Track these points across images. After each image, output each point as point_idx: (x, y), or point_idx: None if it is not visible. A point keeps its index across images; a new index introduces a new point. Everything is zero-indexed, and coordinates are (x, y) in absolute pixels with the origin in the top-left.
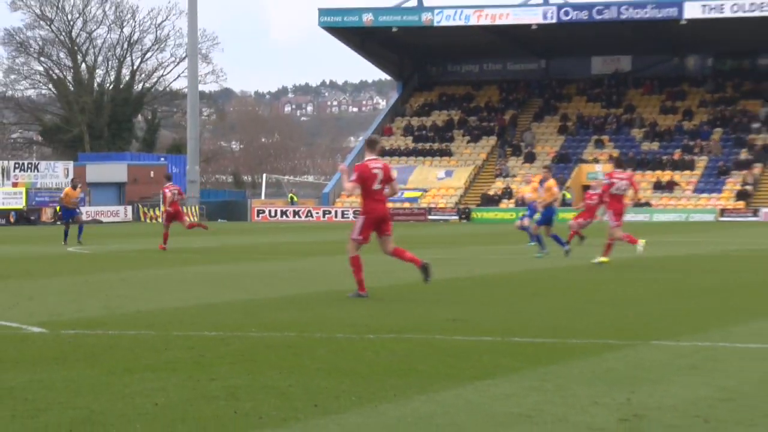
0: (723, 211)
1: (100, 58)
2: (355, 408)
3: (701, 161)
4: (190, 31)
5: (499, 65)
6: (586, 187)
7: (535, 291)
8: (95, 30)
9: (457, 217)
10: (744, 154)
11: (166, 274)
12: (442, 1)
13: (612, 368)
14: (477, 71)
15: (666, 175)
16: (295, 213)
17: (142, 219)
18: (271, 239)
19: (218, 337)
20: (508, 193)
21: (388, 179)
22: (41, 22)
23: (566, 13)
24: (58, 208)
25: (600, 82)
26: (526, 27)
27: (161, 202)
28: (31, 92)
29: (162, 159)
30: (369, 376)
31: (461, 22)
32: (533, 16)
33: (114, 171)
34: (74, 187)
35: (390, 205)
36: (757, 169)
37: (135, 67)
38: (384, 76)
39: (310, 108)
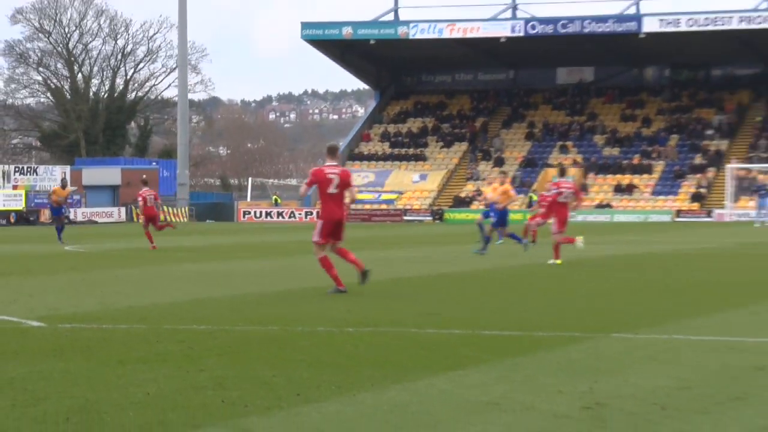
0: (679, 212)
1: (95, 69)
2: (335, 397)
3: (658, 165)
4: (180, 43)
5: (470, 75)
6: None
7: (503, 287)
8: (91, 42)
9: (430, 218)
10: (698, 159)
11: (158, 272)
12: (416, 15)
13: (575, 359)
14: (449, 81)
15: (626, 179)
16: (279, 214)
17: (135, 220)
18: (257, 239)
19: (206, 331)
20: (478, 195)
21: (345, 185)
22: (40, 35)
23: (533, 27)
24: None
25: (564, 92)
26: (496, 40)
27: (141, 206)
28: (30, 100)
29: (154, 163)
30: (348, 367)
31: (435, 35)
32: (502, 30)
33: (108, 175)
34: (63, 187)
35: (368, 206)
36: (711, 173)
37: (128, 77)
38: (362, 86)
39: (293, 115)
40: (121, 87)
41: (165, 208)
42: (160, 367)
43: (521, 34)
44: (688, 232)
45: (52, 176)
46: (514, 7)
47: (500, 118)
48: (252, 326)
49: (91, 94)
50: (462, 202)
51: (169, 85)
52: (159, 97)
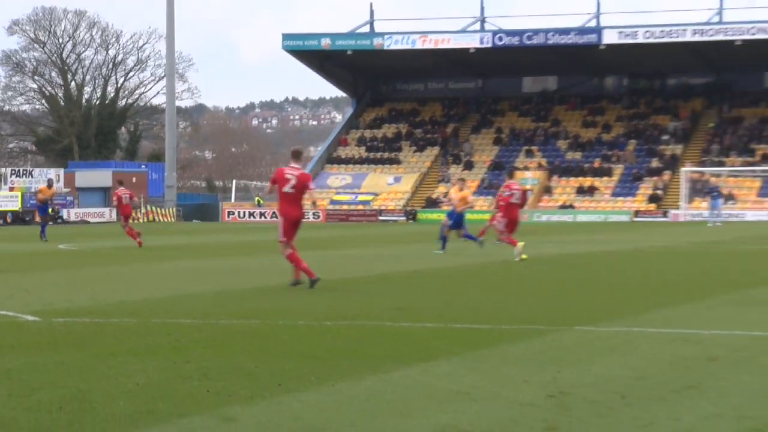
0: (637, 213)
1: (87, 77)
2: (315, 387)
3: (618, 169)
4: (168, 53)
5: (442, 84)
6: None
7: (471, 283)
8: (83, 52)
9: (404, 218)
10: (655, 163)
11: (147, 269)
12: (391, 27)
13: (540, 351)
14: (422, 89)
15: (587, 181)
16: (262, 214)
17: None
18: (240, 238)
19: (193, 325)
20: (443, 197)
21: (302, 187)
22: (35, 45)
23: (500, 39)
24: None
25: (530, 99)
26: (465, 51)
27: (116, 205)
28: (26, 107)
29: (143, 166)
30: (326, 359)
31: (408, 46)
32: (471, 41)
33: (100, 177)
34: (49, 186)
35: (345, 207)
36: (667, 175)
37: (119, 85)
38: (340, 94)
39: (274, 121)
40: (112, 94)
41: (153, 208)
42: (149, 358)
43: (489, 45)
44: (645, 232)
45: (46, 178)
46: (483, 20)
47: (470, 124)
48: (236, 320)
49: (83, 101)
50: (434, 203)
51: (158, 93)
52: (148, 104)
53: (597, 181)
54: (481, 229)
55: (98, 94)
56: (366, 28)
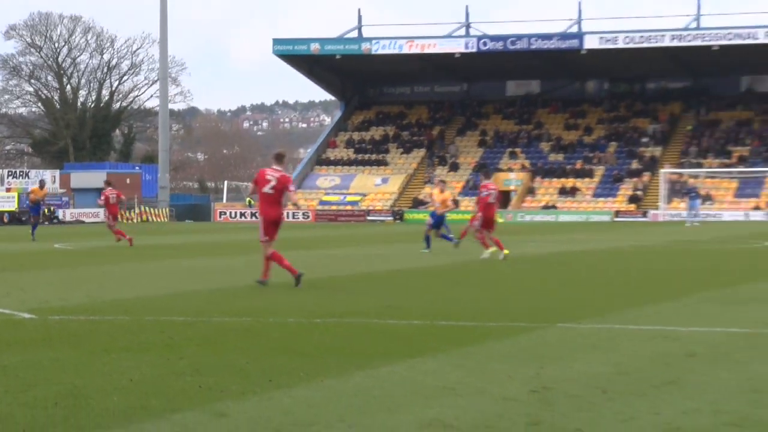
0: (617, 213)
1: (83, 81)
2: (304, 383)
3: (599, 170)
4: (161, 57)
5: (428, 88)
6: (503, 193)
7: (457, 281)
8: (79, 56)
9: (391, 218)
10: (635, 165)
11: (140, 268)
12: (378, 32)
13: (523, 347)
14: (409, 93)
15: (569, 182)
16: (252, 214)
17: (120, 219)
18: (232, 237)
19: (185, 322)
20: (428, 199)
21: (281, 188)
22: (32, 50)
23: (485, 44)
24: (47, 209)
25: (513, 103)
26: (451, 55)
27: (103, 204)
28: (22, 110)
29: (137, 168)
30: (316, 355)
31: (395, 51)
32: (456, 46)
33: (95, 178)
34: (41, 187)
35: (334, 207)
36: (646, 177)
37: (113, 89)
38: (329, 97)
39: (265, 124)
40: (106, 98)
41: (146, 208)
42: (142, 355)
43: (474, 50)
44: (626, 231)
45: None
46: (468, 26)
47: (455, 126)
48: (227, 317)
49: (78, 104)
50: (420, 204)
51: (151, 96)
52: (141, 107)
53: (579, 182)
54: (462, 230)
55: (93, 98)
56: (354, 34)
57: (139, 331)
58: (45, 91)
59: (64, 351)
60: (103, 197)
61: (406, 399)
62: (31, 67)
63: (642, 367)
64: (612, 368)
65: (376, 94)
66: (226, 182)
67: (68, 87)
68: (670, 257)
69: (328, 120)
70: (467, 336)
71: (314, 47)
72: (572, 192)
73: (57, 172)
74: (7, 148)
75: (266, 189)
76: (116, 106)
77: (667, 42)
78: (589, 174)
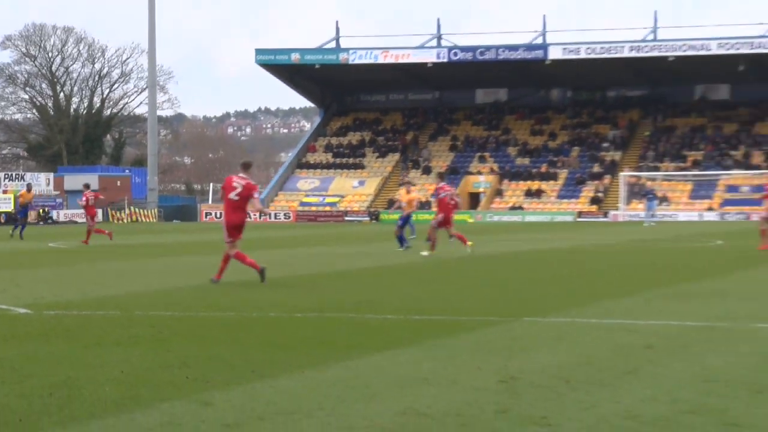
0: (580, 214)
1: (75, 89)
2: (286, 374)
3: (563, 173)
4: (149, 66)
5: (402, 95)
6: (473, 195)
7: (430, 278)
8: (71, 65)
9: (368, 219)
10: (596, 168)
11: (130, 266)
12: (355, 43)
13: (492, 340)
14: (384, 100)
15: (535, 185)
16: None
17: (111, 220)
18: (216, 237)
19: (173, 317)
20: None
21: (246, 195)
22: (27, 59)
23: (455, 54)
24: (41, 210)
25: (482, 110)
26: (423, 65)
27: (84, 206)
28: (18, 116)
29: (127, 171)
30: (296, 348)
31: (371, 61)
32: (429, 56)
33: (87, 181)
34: (29, 190)
35: (314, 208)
36: (607, 179)
37: (104, 96)
38: (309, 104)
39: (248, 129)
40: (98, 104)
41: (136, 209)
42: (132, 348)
43: (445, 60)
44: (588, 231)
45: (37, 182)
46: (439, 37)
47: (428, 132)
48: (213, 312)
49: (71, 110)
50: (391, 204)
51: (141, 103)
52: (131, 114)
53: (544, 185)
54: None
55: (85, 105)
56: (332, 44)
57: (129, 325)
58: (39, 99)
59: (58, 344)
60: (84, 199)
61: (382, 388)
62: (26, 76)
63: (603, 358)
64: (575, 359)
65: (353, 101)
66: (211, 184)
67: (61, 94)
68: (630, 255)
69: (308, 126)
70: (439, 329)
71: (295, 57)
72: (538, 194)
73: (51, 175)
74: (4, 152)
75: (232, 195)
76: (107, 112)
77: (626, 53)
78: (553, 177)
